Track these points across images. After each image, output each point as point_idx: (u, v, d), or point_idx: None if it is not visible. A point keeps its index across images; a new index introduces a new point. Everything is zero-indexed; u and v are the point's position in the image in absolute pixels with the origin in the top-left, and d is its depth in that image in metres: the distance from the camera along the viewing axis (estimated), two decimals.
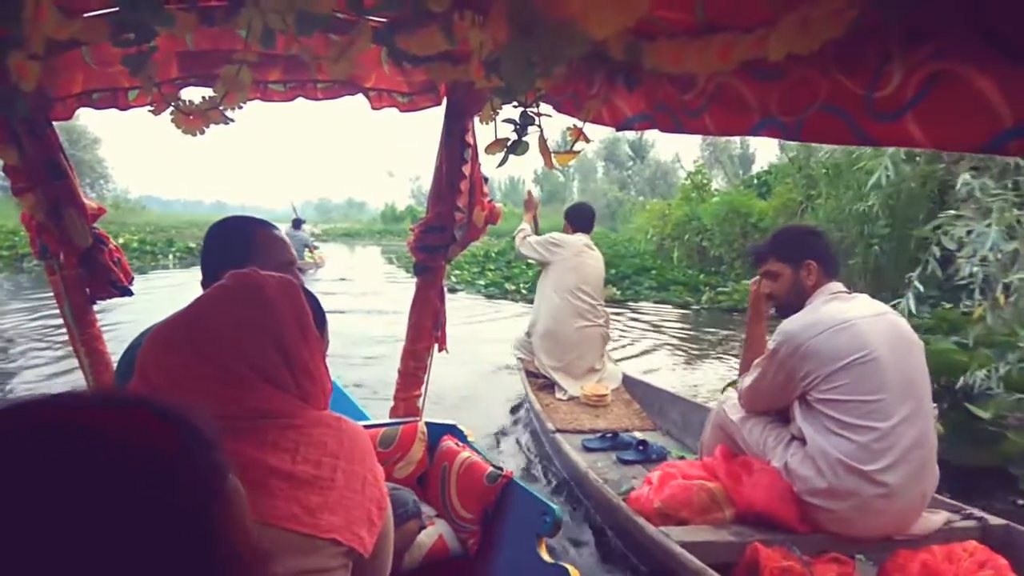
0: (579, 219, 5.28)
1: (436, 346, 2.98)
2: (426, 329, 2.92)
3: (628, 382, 4.99)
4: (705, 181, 21.22)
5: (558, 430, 3.99)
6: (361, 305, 10.95)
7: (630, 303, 13.11)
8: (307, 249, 15.70)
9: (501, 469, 2.25)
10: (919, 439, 2.31)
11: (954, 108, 1.04)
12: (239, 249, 1.75)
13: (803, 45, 1.15)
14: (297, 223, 16.27)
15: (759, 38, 1.25)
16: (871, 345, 2.32)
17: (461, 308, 11.09)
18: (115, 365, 1.98)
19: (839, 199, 11.90)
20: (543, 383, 4.97)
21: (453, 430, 2.59)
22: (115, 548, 0.43)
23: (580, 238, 5.18)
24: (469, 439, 2.54)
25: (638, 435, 4.06)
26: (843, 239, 11.33)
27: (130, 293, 2.67)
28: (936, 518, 2.44)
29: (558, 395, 4.77)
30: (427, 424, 2.57)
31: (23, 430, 0.46)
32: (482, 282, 15.02)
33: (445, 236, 2.75)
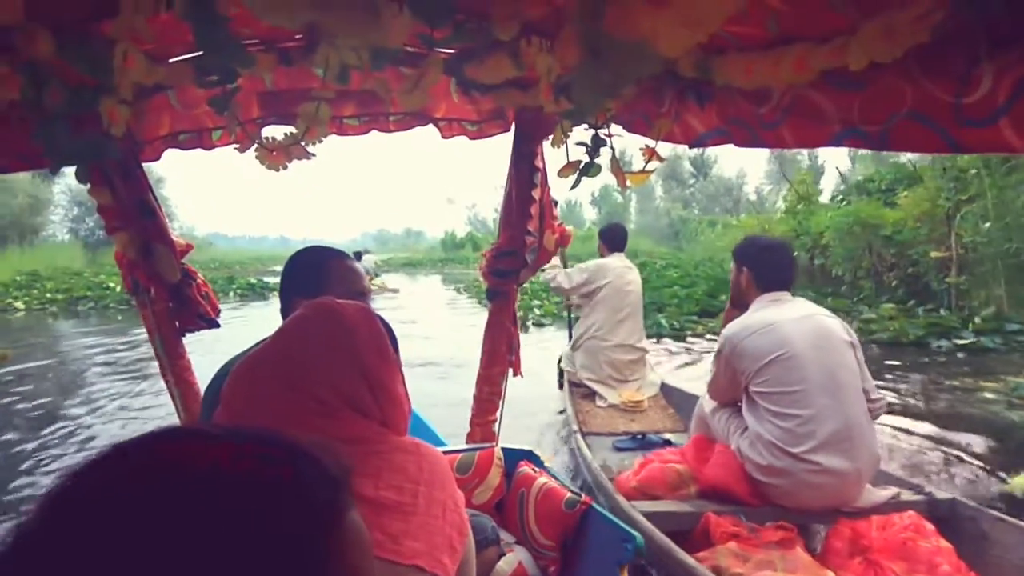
0: (613, 240, 5.44)
1: (511, 371, 2.97)
2: (500, 354, 2.92)
3: (665, 389, 5.14)
4: (812, 191, 18.73)
5: (584, 432, 4.22)
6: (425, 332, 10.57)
7: None
8: (368, 277, 16.39)
9: (580, 495, 2.22)
10: (845, 424, 2.57)
11: None
12: (316, 278, 1.79)
13: (886, 52, 1.12)
14: (358, 255, 17.18)
15: (837, 47, 1.22)
16: (790, 344, 2.65)
17: (546, 339, 9.97)
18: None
19: (1005, 203, 10.11)
20: (585, 392, 5.18)
21: (530, 455, 2.56)
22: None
23: (619, 259, 5.33)
24: (546, 464, 2.52)
25: (668, 436, 4.19)
26: (1018, 251, 9.73)
27: (217, 325, 2.77)
28: (884, 492, 2.69)
29: (598, 403, 4.97)
30: (503, 449, 2.56)
31: (149, 467, 0.48)
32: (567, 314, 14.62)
33: (516, 260, 2.76)
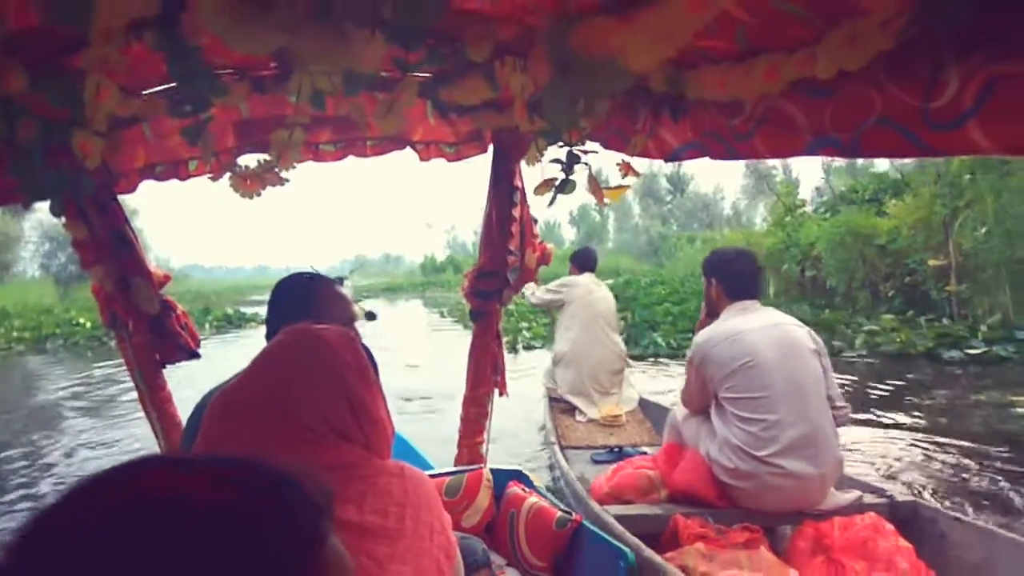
0: (583, 261, 5.76)
1: (497, 391, 2.96)
2: (486, 374, 2.91)
3: (643, 404, 5.31)
4: (799, 203, 18.46)
5: (564, 445, 4.41)
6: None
7: None
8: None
9: (571, 514, 2.20)
10: (809, 430, 2.66)
11: (1019, 110, 1.00)
12: (303, 306, 1.78)
13: (852, 60, 1.13)
14: (340, 280, 17.08)
15: (806, 57, 1.23)
16: (755, 352, 2.74)
17: (536, 362, 9.27)
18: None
19: (1003, 207, 9.92)
20: (565, 407, 5.32)
21: (519, 476, 2.55)
22: None
23: (588, 277, 5.62)
24: (535, 484, 2.50)
25: (644, 449, 4.26)
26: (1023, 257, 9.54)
27: (197, 356, 2.74)
28: (847, 496, 2.78)
29: (578, 417, 5.12)
30: (492, 471, 2.54)
31: (120, 496, 0.47)
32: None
33: (499, 280, 2.76)
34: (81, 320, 17.99)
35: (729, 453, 2.74)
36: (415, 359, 10.25)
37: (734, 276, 3.03)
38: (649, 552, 2.32)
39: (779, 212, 17.85)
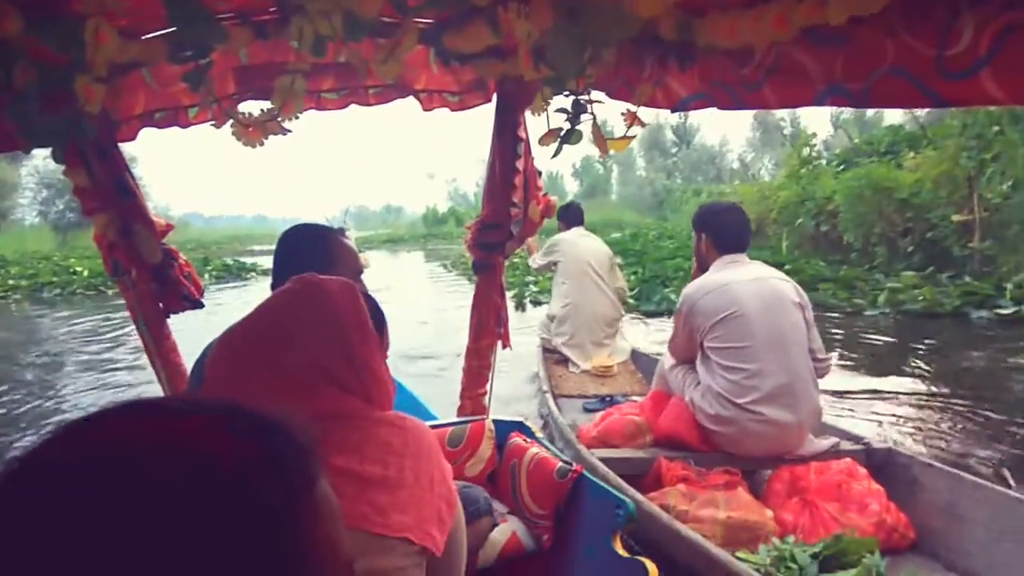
0: (570, 217, 5.86)
1: (500, 343, 2.97)
2: (488, 327, 2.91)
3: (635, 355, 5.47)
4: (815, 154, 17.31)
5: (557, 394, 4.54)
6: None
7: None
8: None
9: (571, 464, 2.23)
10: (789, 379, 2.80)
11: None
12: (312, 256, 1.77)
13: (865, 5, 1.10)
14: (341, 231, 17.27)
15: (818, 2, 1.20)
16: (740, 303, 2.86)
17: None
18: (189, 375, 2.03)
19: None
20: (559, 358, 5.49)
21: (521, 427, 2.57)
22: (186, 551, 0.43)
23: (575, 232, 5.74)
24: (537, 435, 2.53)
25: (635, 398, 4.29)
26: None
27: (201, 305, 2.73)
28: (824, 443, 2.92)
29: (571, 368, 5.28)
30: (494, 421, 2.56)
31: (105, 440, 0.46)
32: None
33: (502, 233, 2.74)
34: (79, 268, 17.57)
35: (712, 400, 2.87)
36: (422, 315, 10.16)
37: (723, 230, 3.13)
38: (632, 491, 2.48)
39: (793, 164, 16.99)
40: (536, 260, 5.88)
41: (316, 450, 0.53)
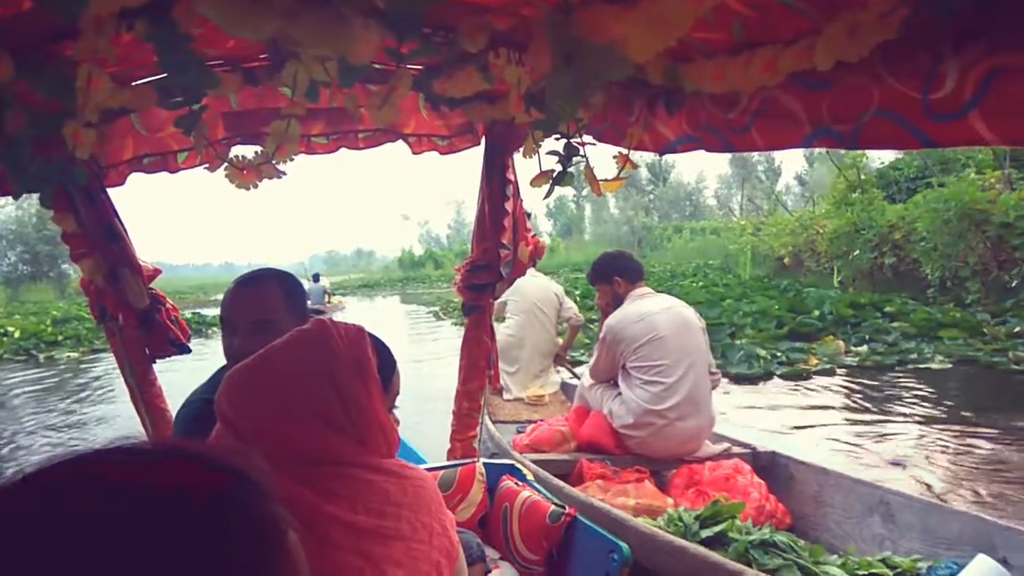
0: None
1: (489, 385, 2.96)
2: (479, 368, 2.90)
3: (564, 386, 5.84)
4: (865, 176, 15.43)
5: (493, 420, 4.88)
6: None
7: (896, 369, 7.81)
8: (327, 296, 18.88)
9: (564, 507, 2.20)
10: (693, 390, 3.34)
11: (1020, 102, 1.00)
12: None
13: (852, 51, 1.13)
14: (316, 276, 19.94)
15: (804, 48, 1.23)
16: (657, 329, 3.39)
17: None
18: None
19: None
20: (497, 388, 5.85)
21: (512, 470, 2.54)
22: None
23: (529, 271, 5.93)
24: (528, 478, 2.50)
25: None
26: None
27: (188, 350, 2.71)
28: (717, 447, 3.51)
29: (505, 396, 5.63)
30: (485, 464, 2.54)
31: (73, 485, 0.45)
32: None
33: (492, 274, 2.75)
34: (11, 328, 15.84)
35: (632, 408, 3.38)
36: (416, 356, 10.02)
37: (628, 267, 3.76)
38: (559, 482, 3.02)
39: (840, 189, 15.37)
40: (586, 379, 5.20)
41: (275, 494, 0.52)
